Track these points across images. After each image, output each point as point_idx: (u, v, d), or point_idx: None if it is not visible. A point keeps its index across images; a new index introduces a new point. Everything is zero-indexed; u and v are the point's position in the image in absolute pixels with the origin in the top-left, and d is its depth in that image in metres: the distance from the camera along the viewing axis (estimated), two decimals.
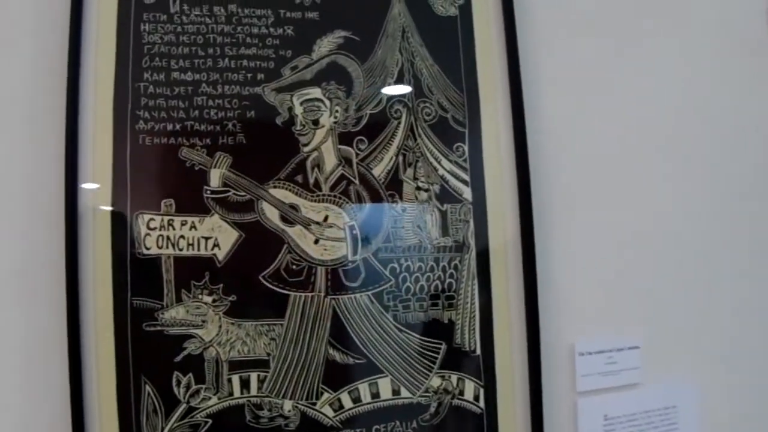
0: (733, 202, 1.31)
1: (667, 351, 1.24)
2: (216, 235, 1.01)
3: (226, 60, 1.05)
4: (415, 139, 1.11)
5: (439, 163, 1.12)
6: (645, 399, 1.23)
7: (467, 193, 1.13)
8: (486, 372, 1.11)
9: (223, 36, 1.05)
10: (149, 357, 0.97)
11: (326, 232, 1.05)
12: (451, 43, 1.16)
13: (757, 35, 1.37)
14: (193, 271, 0.99)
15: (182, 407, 0.98)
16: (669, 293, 1.25)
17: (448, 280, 1.10)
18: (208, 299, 1.00)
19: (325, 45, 1.09)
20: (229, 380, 1.00)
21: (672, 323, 1.25)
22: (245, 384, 1.00)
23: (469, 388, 1.11)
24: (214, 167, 1.02)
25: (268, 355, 1.01)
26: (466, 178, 1.13)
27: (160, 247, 0.99)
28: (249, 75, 1.05)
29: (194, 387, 0.98)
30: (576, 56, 1.22)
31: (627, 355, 1.22)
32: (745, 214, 1.32)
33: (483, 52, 1.17)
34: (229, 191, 1.02)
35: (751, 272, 1.32)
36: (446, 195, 1.11)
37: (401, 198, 1.09)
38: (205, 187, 1.01)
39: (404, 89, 1.12)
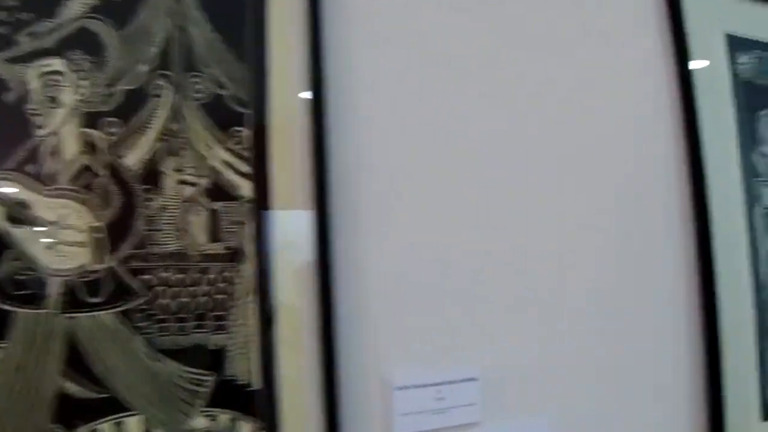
0: (579, 225, 1.25)
1: (511, 383, 1.15)
2: None
3: None
4: (180, 122, 1.02)
5: (210, 151, 1.02)
6: None
7: (246, 188, 1.03)
8: (268, 410, 1.01)
9: None
10: None
11: (62, 234, 0.95)
12: (237, 6, 1.07)
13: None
14: None
15: None
16: (512, 317, 1.16)
17: (217, 296, 1.01)
18: None
19: (74, 7, 0.99)
20: None
21: (516, 351, 1.16)
22: None
23: (246, 430, 1.01)
24: None
25: None
26: (246, 170, 1.04)
27: None
28: None
29: None
30: (400, 31, 1.14)
31: (461, 388, 1.13)
32: (593, 236, 1.26)
33: (279, 18, 1.08)
34: None
35: (601, 296, 1.25)
36: (218, 191, 1.01)
37: (160, 194, 1.00)
38: None
39: (170, 61, 1.01)
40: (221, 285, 0.95)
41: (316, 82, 1.02)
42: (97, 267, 0.91)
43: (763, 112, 1.44)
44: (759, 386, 1.35)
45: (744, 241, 1.35)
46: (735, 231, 1.34)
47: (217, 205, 0.96)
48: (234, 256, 0.96)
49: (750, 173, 1.39)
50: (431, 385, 1.06)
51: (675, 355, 1.28)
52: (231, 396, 0.95)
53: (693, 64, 1.33)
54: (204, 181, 0.96)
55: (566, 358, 1.20)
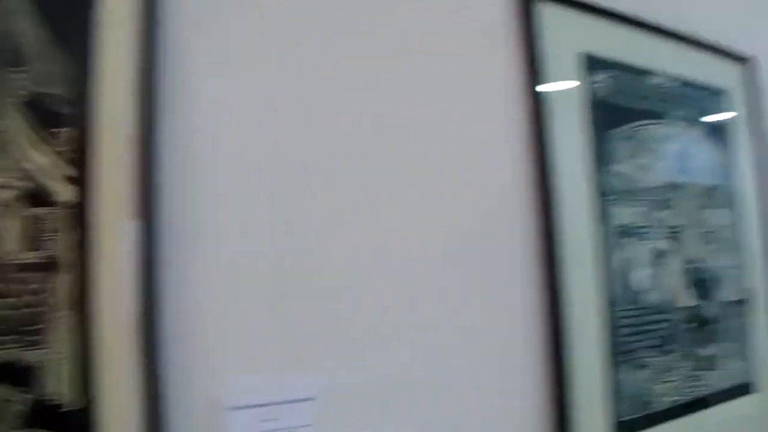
0: (424, 243, 1.25)
1: (350, 403, 1.13)
2: None
3: None
4: None
5: (31, 153, 0.97)
6: None
7: (69, 194, 0.98)
8: None
9: None
10: None
11: None
12: (67, 1, 1.02)
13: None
14: None
15: None
16: (355, 332, 1.14)
17: (31, 309, 0.95)
18: None
19: None
20: None
21: (357, 369, 1.13)
22: None
23: None
24: None
25: None
26: (70, 174, 0.99)
27: None
28: None
29: None
30: (239, 34, 1.11)
31: (295, 409, 1.10)
32: (440, 253, 1.27)
33: (111, 16, 1.03)
34: None
35: (448, 317, 1.25)
36: (37, 196, 0.96)
37: None
38: None
39: None
40: (37, 297, 0.90)
41: (147, 84, 0.98)
42: None
43: (615, 131, 1.47)
44: (608, 405, 1.37)
45: (593, 259, 1.38)
46: (583, 250, 1.36)
47: (35, 211, 0.91)
48: (52, 266, 0.91)
49: (600, 192, 1.42)
50: (264, 405, 1.03)
51: (522, 372, 1.30)
52: (46, 417, 0.90)
53: (547, 83, 1.35)
54: (22, 185, 0.90)
55: (412, 379, 1.19)
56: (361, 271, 1.12)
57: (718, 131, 1.75)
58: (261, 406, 1.02)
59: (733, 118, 1.82)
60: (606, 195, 1.39)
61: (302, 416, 1.05)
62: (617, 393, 1.35)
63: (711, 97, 1.75)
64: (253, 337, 1.02)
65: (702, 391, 1.58)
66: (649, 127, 1.52)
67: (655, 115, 1.54)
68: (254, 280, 1.03)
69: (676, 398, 1.49)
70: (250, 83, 1.06)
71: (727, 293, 1.68)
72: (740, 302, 1.73)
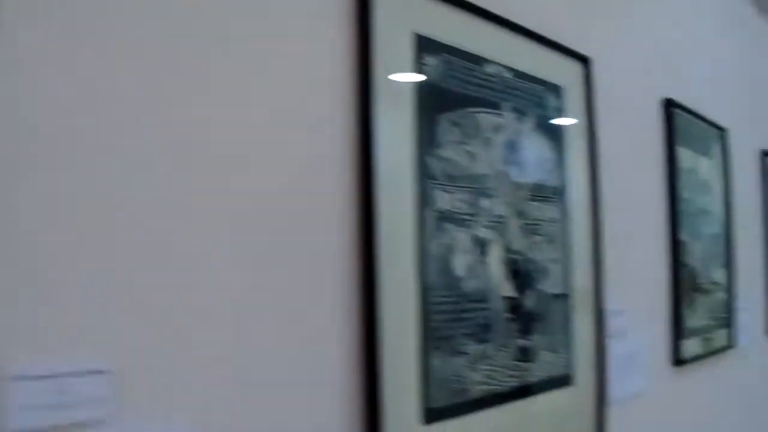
0: (237, 220, 1.22)
1: (150, 377, 1.07)
2: None
3: None
4: None
5: None
6: None
7: None
8: None
9: None
10: None
11: None
12: None
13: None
14: None
15: None
16: (153, 305, 1.10)
17: None
18: None
19: None
20: None
21: (157, 342, 1.08)
22: None
23: None
24: None
25: None
26: None
27: None
28: None
29: None
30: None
31: (88, 382, 1.05)
32: (250, 233, 1.23)
33: None
34: None
35: (256, 292, 1.21)
36: None
37: None
38: None
39: None
40: None
41: None
42: None
43: (445, 116, 1.49)
44: (419, 391, 1.38)
45: (412, 244, 1.38)
46: (403, 233, 1.36)
47: None
48: None
49: (424, 176, 1.42)
50: (53, 376, 0.98)
51: (331, 357, 1.28)
52: None
53: (376, 64, 1.34)
54: None
55: (216, 354, 1.14)
56: (162, 248, 1.08)
57: (551, 127, 1.80)
58: (53, 377, 0.97)
59: (567, 116, 1.87)
60: (430, 179, 1.39)
61: (97, 389, 1.00)
62: (430, 380, 1.36)
63: (546, 92, 1.79)
64: (47, 308, 0.96)
65: (520, 382, 1.62)
66: (480, 114, 1.54)
67: (487, 104, 1.56)
68: (52, 250, 0.97)
69: (492, 387, 1.52)
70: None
71: (549, 286, 1.72)
72: (562, 296, 1.78)
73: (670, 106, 2.54)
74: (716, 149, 2.98)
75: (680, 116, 2.62)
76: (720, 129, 3.01)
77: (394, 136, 1.34)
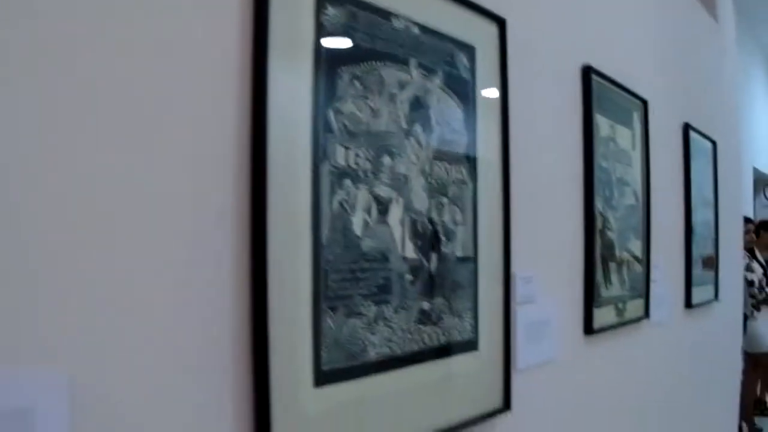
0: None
1: (16, 331, 1.01)
2: None
3: None
4: None
5: None
6: None
7: None
8: None
9: None
10: None
11: None
12: None
13: None
14: None
15: None
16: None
17: None
18: None
19: None
20: None
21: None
22: None
23: None
24: None
25: None
26: None
27: None
28: None
29: None
30: None
31: None
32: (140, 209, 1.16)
33: None
34: None
35: (142, 250, 1.16)
36: None
37: None
38: None
39: None
40: None
41: None
42: None
43: (346, 69, 1.45)
44: (312, 352, 1.35)
45: (306, 200, 1.34)
46: (297, 188, 1.32)
47: None
48: None
49: (321, 130, 1.39)
50: None
51: (220, 319, 1.24)
52: None
53: (273, 13, 1.29)
54: None
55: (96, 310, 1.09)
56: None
57: (461, 87, 1.77)
58: None
59: (479, 77, 1.84)
60: (329, 133, 1.35)
61: None
62: (323, 342, 1.33)
63: (457, 51, 1.76)
64: None
65: (421, 345, 1.59)
66: (384, 69, 1.50)
67: (392, 59, 1.52)
68: None
69: (392, 350, 1.49)
70: None
71: (454, 249, 1.70)
72: (468, 260, 1.76)
73: (589, 72, 2.52)
74: (637, 120, 3.00)
75: (600, 84, 2.62)
76: (641, 100, 3.02)
77: (291, 88, 1.31)
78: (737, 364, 5.35)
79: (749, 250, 7.43)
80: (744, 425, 6.79)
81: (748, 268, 7.26)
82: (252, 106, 1.27)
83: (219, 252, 1.24)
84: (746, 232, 6.75)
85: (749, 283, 7.18)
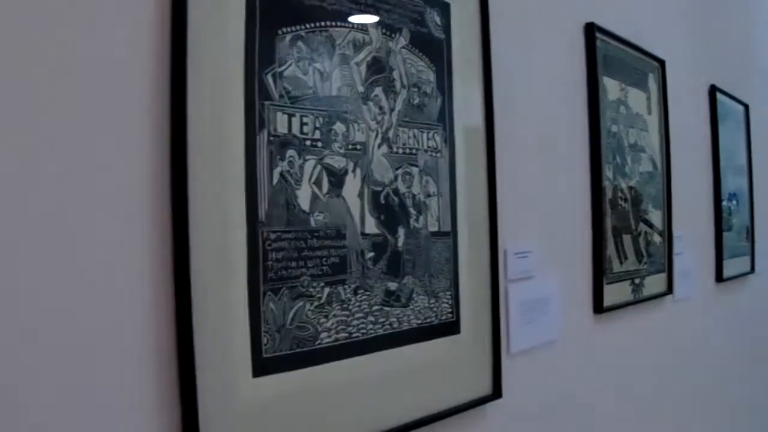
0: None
1: None
2: None
3: None
4: None
5: None
6: None
7: None
8: None
9: None
10: None
11: None
12: None
13: None
14: None
15: None
16: None
17: None
18: None
19: None
20: None
21: None
22: None
23: None
24: None
25: None
26: None
27: None
28: None
29: None
30: None
31: None
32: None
33: None
34: None
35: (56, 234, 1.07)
36: None
37: None
38: None
39: None
40: None
41: None
42: None
43: (286, 29, 1.34)
44: (250, 338, 1.25)
45: (241, 171, 1.25)
46: (228, 160, 1.23)
47: None
48: None
49: (259, 96, 1.29)
50: None
51: (141, 309, 1.17)
52: None
53: None
54: None
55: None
56: None
57: (432, 47, 1.65)
58: None
59: (454, 35, 1.72)
60: (267, 100, 1.25)
61: None
62: (263, 327, 1.23)
63: (427, 7, 1.64)
64: None
65: (387, 329, 1.49)
66: (335, 29, 1.40)
67: (344, 17, 1.41)
68: None
69: (351, 335, 1.39)
70: None
71: (426, 223, 1.59)
72: (444, 234, 1.65)
73: (593, 30, 2.38)
74: (653, 82, 2.85)
75: (606, 44, 2.48)
76: (658, 60, 2.87)
77: (217, 50, 1.21)
78: None
79: None
80: None
81: None
82: (171, 69, 1.19)
83: (138, 236, 1.17)
84: None
85: None
